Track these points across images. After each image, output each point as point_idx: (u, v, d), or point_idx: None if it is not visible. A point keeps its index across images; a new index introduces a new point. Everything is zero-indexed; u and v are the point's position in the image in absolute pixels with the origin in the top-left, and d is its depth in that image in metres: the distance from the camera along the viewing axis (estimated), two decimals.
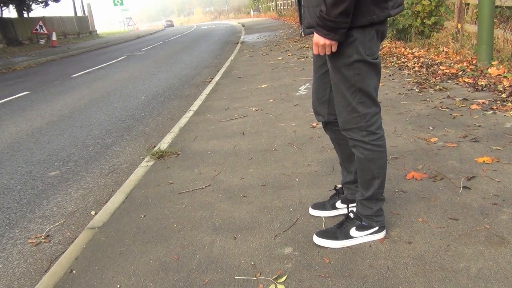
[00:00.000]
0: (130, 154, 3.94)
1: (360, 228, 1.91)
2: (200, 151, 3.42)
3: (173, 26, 52.88)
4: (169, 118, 5.11)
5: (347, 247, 1.89)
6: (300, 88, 5.37)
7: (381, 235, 1.93)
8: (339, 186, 2.21)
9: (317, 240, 1.94)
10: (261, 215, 2.26)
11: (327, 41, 1.58)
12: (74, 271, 1.97)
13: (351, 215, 1.94)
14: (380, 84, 1.99)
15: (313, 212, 2.21)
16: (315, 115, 2.02)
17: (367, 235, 1.91)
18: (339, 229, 1.93)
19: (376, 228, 1.91)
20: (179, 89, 7.07)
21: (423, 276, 1.64)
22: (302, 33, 1.77)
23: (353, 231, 1.91)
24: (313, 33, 1.66)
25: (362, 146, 1.78)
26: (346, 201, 2.14)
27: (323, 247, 1.90)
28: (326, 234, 1.94)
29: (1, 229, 2.75)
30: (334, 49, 1.62)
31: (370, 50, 1.67)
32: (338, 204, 2.17)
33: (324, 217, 2.17)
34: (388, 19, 1.99)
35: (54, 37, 22.58)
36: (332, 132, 2.03)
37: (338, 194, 2.19)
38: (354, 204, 2.06)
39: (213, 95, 5.72)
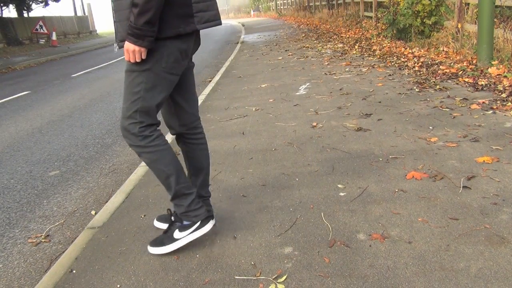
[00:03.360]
0: (130, 154, 3.93)
1: (182, 228, 1.99)
2: None
3: None
4: None
5: (178, 248, 1.98)
6: (300, 88, 5.37)
7: (208, 227, 2.01)
8: None
9: (150, 249, 2.02)
10: (261, 215, 2.26)
11: (137, 48, 1.71)
12: (74, 271, 1.97)
13: (173, 218, 2.02)
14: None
15: (156, 224, 2.25)
16: (168, 128, 2.08)
17: (190, 233, 1.99)
18: (165, 235, 2.02)
19: (198, 223, 1.98)
20: None
21: (423, 275, 1.64)
22: (117, 47, 1.87)
23: (176, 233, 1.99)
24: None
25: (144, 151, 1.87)
26: None
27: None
28: (155, 242, 2.03)
29: (1, 229, 2.75)
30: (143, 56, 1.75)
31: (168, 64, 1.80)
32: None
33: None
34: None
35: (54, 37, 22.57)
36: (184, 145, 2.11)
37: None
38: None
39: (213, 94, 5.72)
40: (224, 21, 40.50)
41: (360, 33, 10.82)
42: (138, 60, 1.75)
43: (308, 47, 9.71)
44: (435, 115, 3.60)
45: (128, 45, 1.72)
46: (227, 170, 2.94)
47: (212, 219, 2.15)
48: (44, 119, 5.78)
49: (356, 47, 8.52)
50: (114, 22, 1.82)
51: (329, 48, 9.07)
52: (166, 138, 1.94)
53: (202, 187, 2.14)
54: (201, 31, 1.92)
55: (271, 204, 2.37)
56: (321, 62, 7.31)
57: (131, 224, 2.36)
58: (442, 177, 2.45)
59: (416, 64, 5.92)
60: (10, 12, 25.85)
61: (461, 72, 5.07)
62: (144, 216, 2.43)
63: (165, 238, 2.01)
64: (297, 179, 2.65)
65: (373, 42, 8.89)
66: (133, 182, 2.94)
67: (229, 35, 19.13)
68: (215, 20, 1.92)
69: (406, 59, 6.44)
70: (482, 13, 4.92)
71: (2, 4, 22.67)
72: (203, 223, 1.99)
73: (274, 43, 11.75)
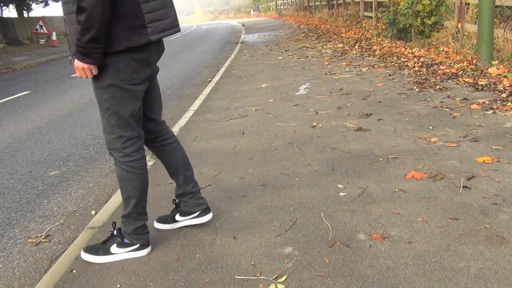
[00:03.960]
0: None
1: (121, 245, 2.00)
2: (200, 151, 3.42)
3: None
4: (169, 118, 5.11)
5: (109, 262, 1.98)
6: (300, 88, 5.37)
7: (143, 252, 2.02)
8: (178, 200, 2.25)
9: (83, 255, 2.03)
10: (261, 215, 2.26)
11: (85, 65, 1.70)
12: (74, 271, 1.97)
13: (115, 232, 2.03)
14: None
15: (156, 225, 2.25)
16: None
17: (127, 252, 2.00)
18: (102, 245, 2.03)
19: (137, 245, 2.00)
20: (179, 88, 7.07)
21: (423, 275, 1.64)
22: (71, 61, 1.85)
23: (113, 248, 2.01)
24: None
25: (119, 166, 1.91)
26: (184, 214, 2.19)
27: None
28: (90, 249, 2.04)
29: (2, 229, 2.75)
30: (94, 72, 1.75)
31: (127, 76, 1.78)
32: (178, 217, 2.22)
33: (166, 229, 2.22)
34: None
35: (54, 37, 22.55)
36: (153, 149, 2.13)
37: (177, 207, 2.23)
38: (191, 216, 2.17)
39: (213, 94, 5.72)
40: (224, 21, 40.61)
41: (360, 33, 10.82)
42: (89, 76, 1.75)
43: (308, 47, 9.71)
44: (435, 115, 3.60)
45: (77, 63, 1.72)
46: (227, 170, 2.94)
47: (209, 211, 2.16)
48: (44, 119, 5.78)
49: (356, 47, 8.52)
50: (67, 35, 1.81)
51: (329, 48, 9.07)
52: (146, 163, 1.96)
53: (186, 184, 2.14)
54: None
55: (271, 204, 2.37)
56: (321, 62, 7.31)
57: None
58: (442, 177, 2.45)
59: (416, 64, 5.92)
60: (10, 12, 25.86)
61: (461, 72, 5.07)
62: None
63: (101, 248, 2.02)
64: (297, 179, 2.65)
65: (373, 42, 8.89)
66: None
67: (229, 35, 19.12)
68: (172, 28, 1.88)
69: (406, 59, 6.44)
70: (482, 13, 4.92)
71: (2, 4, 22.67)
72: (142, 247, 2.01)
73: (274, 43, 11.75)
